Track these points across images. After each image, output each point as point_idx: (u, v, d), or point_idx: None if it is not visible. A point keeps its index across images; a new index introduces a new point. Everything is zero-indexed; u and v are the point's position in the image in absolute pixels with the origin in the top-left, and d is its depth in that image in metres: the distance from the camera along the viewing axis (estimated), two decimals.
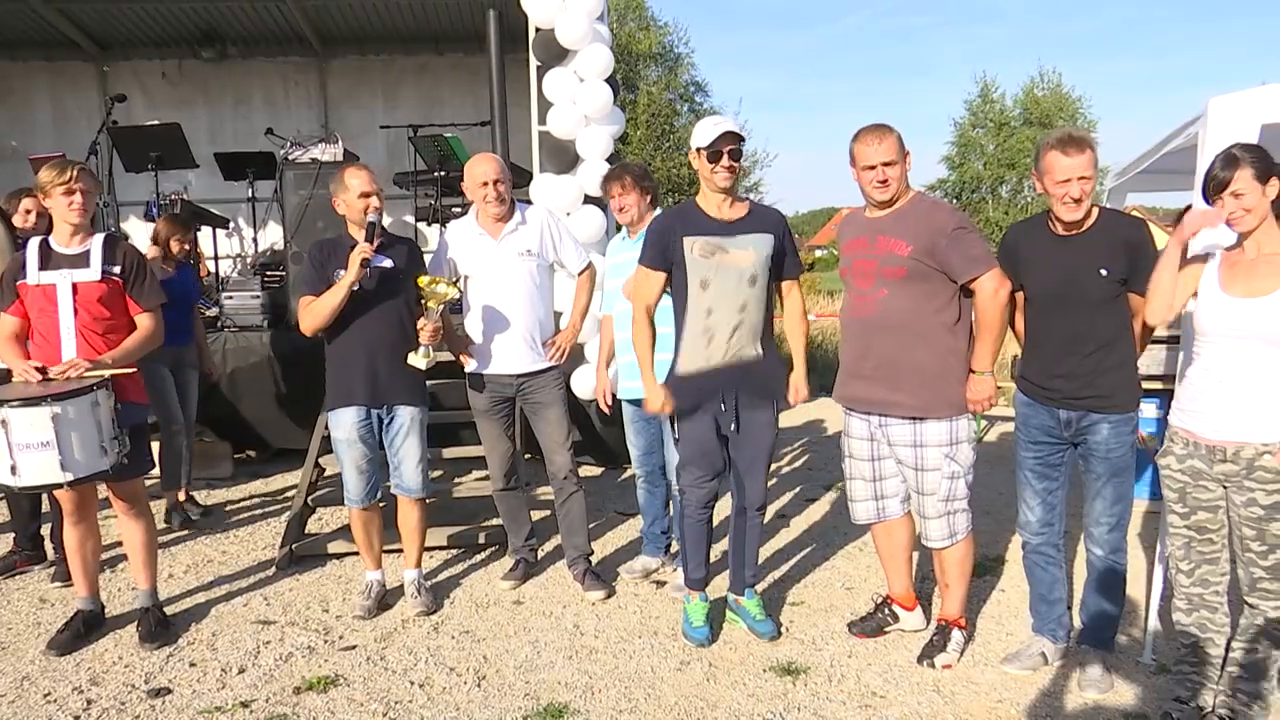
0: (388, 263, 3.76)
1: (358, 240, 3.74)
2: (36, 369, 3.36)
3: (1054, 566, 3.32)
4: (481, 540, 4.75)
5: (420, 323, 3.75)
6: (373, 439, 3.85)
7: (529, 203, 4.48)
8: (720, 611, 3.78)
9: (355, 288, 3.65)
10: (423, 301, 3.74)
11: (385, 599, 4.05)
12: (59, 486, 3.27)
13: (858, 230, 3.34)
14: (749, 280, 3.35)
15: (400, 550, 4.14)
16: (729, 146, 3.29)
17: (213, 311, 6.34)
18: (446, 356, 4.05)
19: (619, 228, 4.25)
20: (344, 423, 3.78)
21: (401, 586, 4.10)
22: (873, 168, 3.18)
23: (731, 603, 3.74)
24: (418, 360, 3.74)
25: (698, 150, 3.34)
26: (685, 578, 3.71)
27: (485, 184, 3.86)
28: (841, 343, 3.45)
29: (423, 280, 3.71)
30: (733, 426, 3.43)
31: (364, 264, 3.62)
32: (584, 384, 5.73)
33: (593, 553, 4.33)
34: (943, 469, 3.26)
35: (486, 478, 4.38)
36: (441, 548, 4.70)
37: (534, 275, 3.97)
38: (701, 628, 3.60)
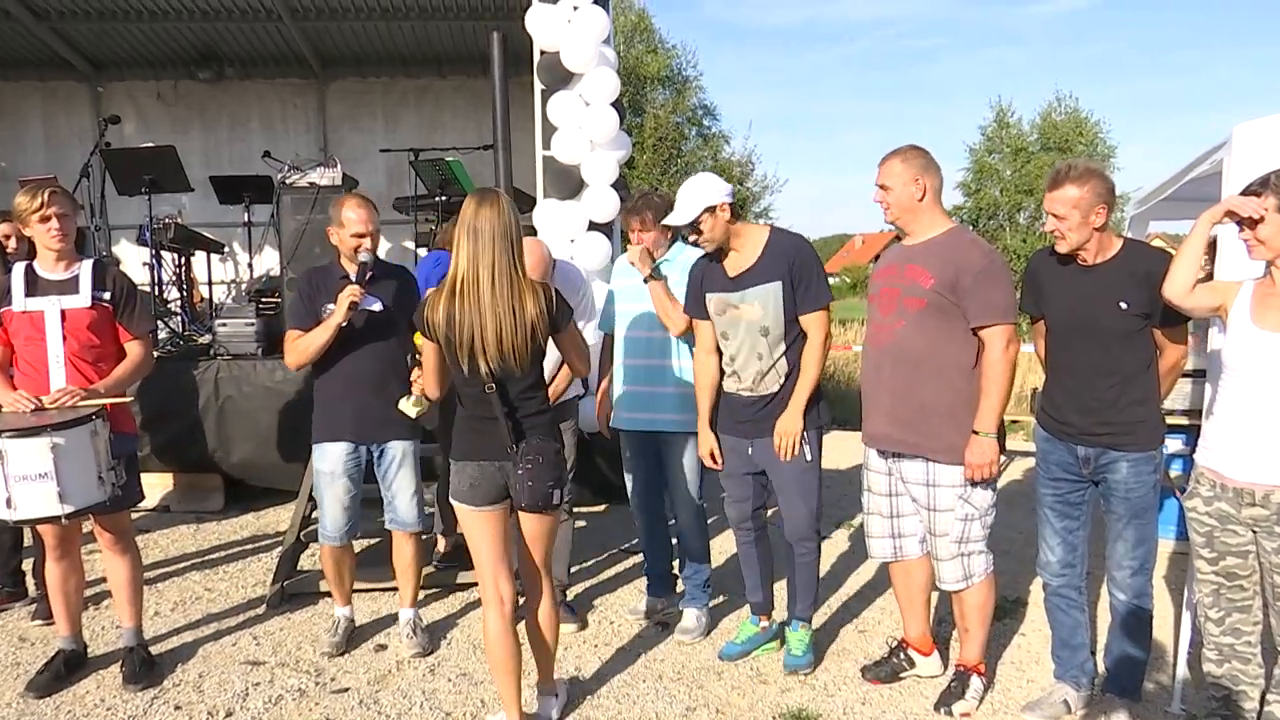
0: (377, 305, 3.79)
1: (349, 270, 3.77)
2: (27, 399, 3.36)
3: (1076, 610, 3.29)
4: (466, 583, 4.70)
5: (414, 373, 3.73)
6: (359, 475, 3.86)
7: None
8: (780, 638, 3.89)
9: (343, 324, 3.69)
10: (417, 351, 3.73)
11: (358, 635, 4.06)
12: (56, 520, 3.26)
13: (891, 257, 3.38)
14: (760, 332, 3.50)
15: (393, 588, 4.12)
16: (690, 225, 3.49)
17: (205, 339, 6.35)
18: None
19: (624, 247, 4.26)
20: (330, 456, 3.80)
21: (382, 626, 4.07)
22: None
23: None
24: (408, 408, 3.72)
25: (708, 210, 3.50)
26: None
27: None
28: (862, 374, 3.46)
29: (419, 338, 3.71)
30: (749, 451, 3.59)
31: (352, 306, 3.65)
32: (589, 413, 5.71)
33: (567, 585, 4.35)
34: (955, 510, 3.25)
35: None
36: (421, 588, 4.63)
37: None
38: (733, 644, 3.86)
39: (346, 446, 3.79)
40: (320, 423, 3.83)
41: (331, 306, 3.70)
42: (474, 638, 4.09)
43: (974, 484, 3.21)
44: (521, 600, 3.19)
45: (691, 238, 3.58)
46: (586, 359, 3.17)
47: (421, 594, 4.59)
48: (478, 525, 3.04)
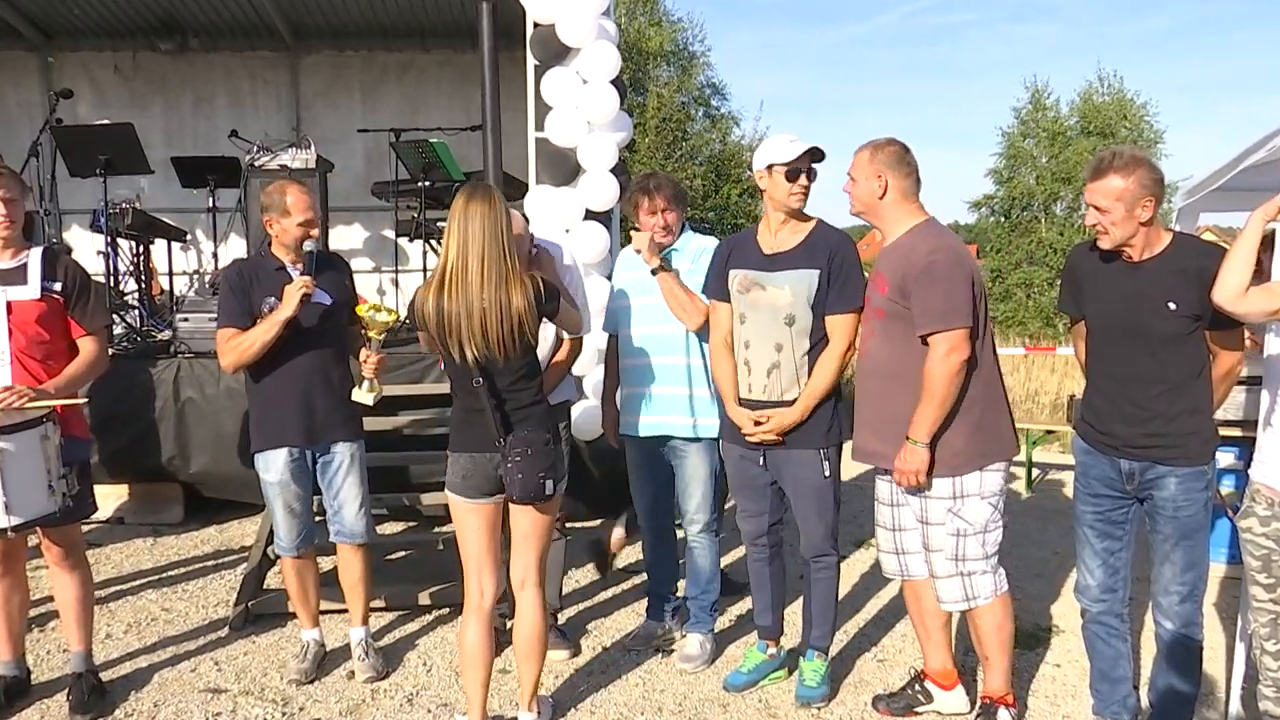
0: (328, 299, 3.82)
1: (283, 261, 3.81)
2: None
3: (1117, 639, 3.28)
4: (426, 601, 4.72)
5: (363, 354, 3.80)
6: (308, 480, 3.91)
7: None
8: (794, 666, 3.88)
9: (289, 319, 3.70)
10: (363, 331, 3.76)
11: (329, 661, 4.08)
12: (1, 533, 3.23)
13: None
14: (785, 320, 3.51)
15: (343, 610, 4.14)
16: (810, 165, 3.53)
17: (165, 335, 6.34)
18: (395, 390, 4.05)
19: (626, 241, 4.26)
20: (275, 465, 3.83)
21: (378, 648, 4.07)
22: None
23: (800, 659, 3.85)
24: (363, 396, 3.79)
25: (768, 169, 3.53)
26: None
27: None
28: None
29: (362, 309, 3.74)
30: (761, 461, 3.63)
31: (305, 299, 3.67)
32: (583, 420, 5.71)
33: (559, 608, 4.36)
34: (947, 524, 3.29)
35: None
36: (384, 609, 4.65)
37: None
38: (739, 673, 3.86)
39: (293, 452, 3.82)
40: (263, 429, 3.84)
41: (274, 300, 3.71)
42: (456, 664, 4.08)
43: (965, 497, 3.25)
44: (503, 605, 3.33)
45: (803, 186, 3.53)
46: (580, 320, 3.48)
47: (391, 614, 4.60)
48: (468, 518, 3.28)
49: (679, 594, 4.38)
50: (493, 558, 3.30)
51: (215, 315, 5.93)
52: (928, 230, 3.30)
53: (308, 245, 3.80)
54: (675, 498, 4.16)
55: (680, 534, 4.25)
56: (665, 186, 4.00)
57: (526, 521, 3.28)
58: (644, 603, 4.45)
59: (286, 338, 3.71)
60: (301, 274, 3.74)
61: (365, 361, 3.78)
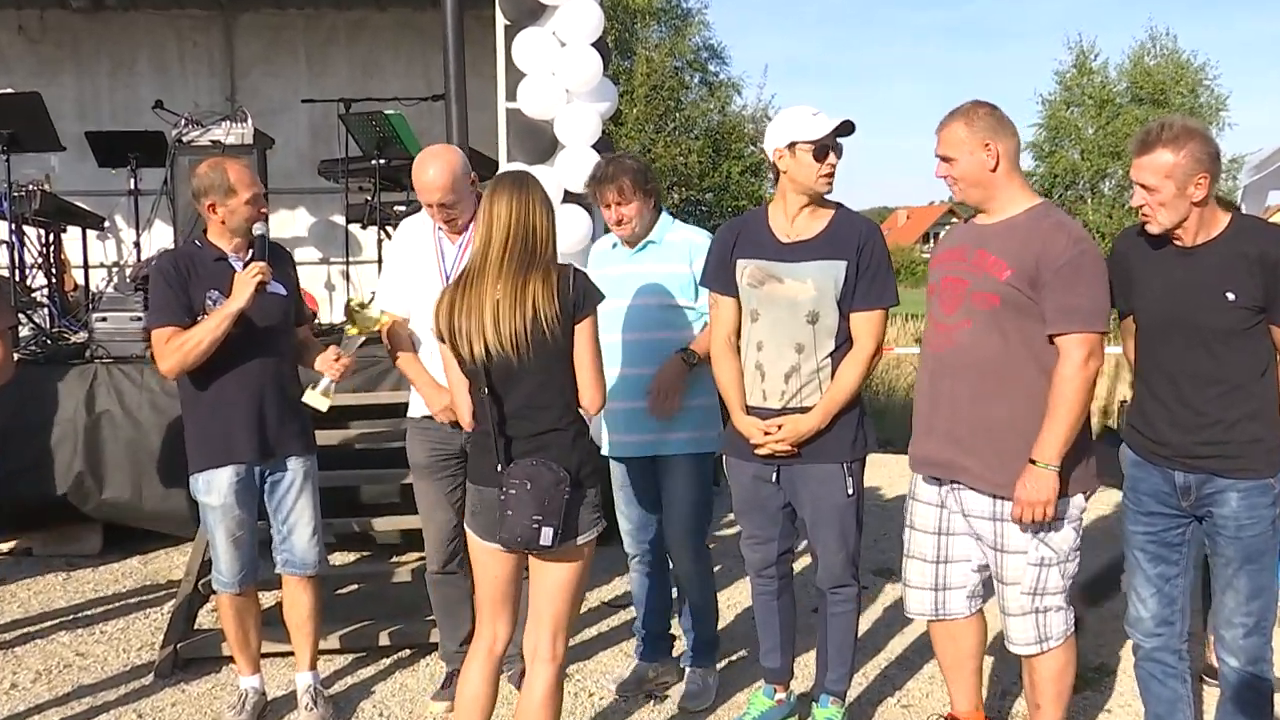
0: (283, 291, 3.83)
1: (224, 250, 3.80)
2: None
3: (1175, 679, 3.30)
4: (386, 641, 4.72)
5: (331, 353, 3.78)
6: (253, 502, 3.89)
7: None
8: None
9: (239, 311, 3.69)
10: (345, 326, 3.74)
11: (270, 712, 4.07)
12: None
13: (958, 238, 3.42)
14: (806, 317, 3.49)
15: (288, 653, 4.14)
16: (840, 140, 3.52)
17: (80, 336, 6.33)
18: (346, 399, 4.03)
19: (606, 229, 4.28)
20: (218, 486, 3.80)
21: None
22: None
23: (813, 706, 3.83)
24: (317, 400, 3.74)
25: (790, 146, 3.49)
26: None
27: (431, 205, 3.81)
28: (916, 384, 3.48)
29: (354, 301, 3.72)
30: (774, 477, 3.61)
31: (260, 288, 3.66)
32: None
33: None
34: (1029, 553, 3.25)
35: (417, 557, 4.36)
36: (335, 650, 4.65)
37: None
38: None
39: (240, 470, 3.80)
40: (205, 444, 3.81)
41: (219, 295, 3.69)
42: (416, 712, 4.08)
43: (1058, 521, 3.20)
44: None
45: (830, 164, 3.50)
46: (603, 384, 3.20)
47: (342, 658, 4.59)
48: (482, 558, 3.21)
49: (673, 632, 4.39)
50: (509, 606, 3.23)
51: (138, 315, 6.06)
52: (1053, 213, 3.26)
53: (257, 228, 3.78)
54: (664, 518, 4.16)
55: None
56: (619, 175, 3.96)
57: (544, 577, 3.13)
58: (633, 642, 4.46)
59: (234, 336, 3.67)
60: (259, 258, 3.72)
61: (335, 361, 3.75)
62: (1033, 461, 3.11)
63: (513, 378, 3.04)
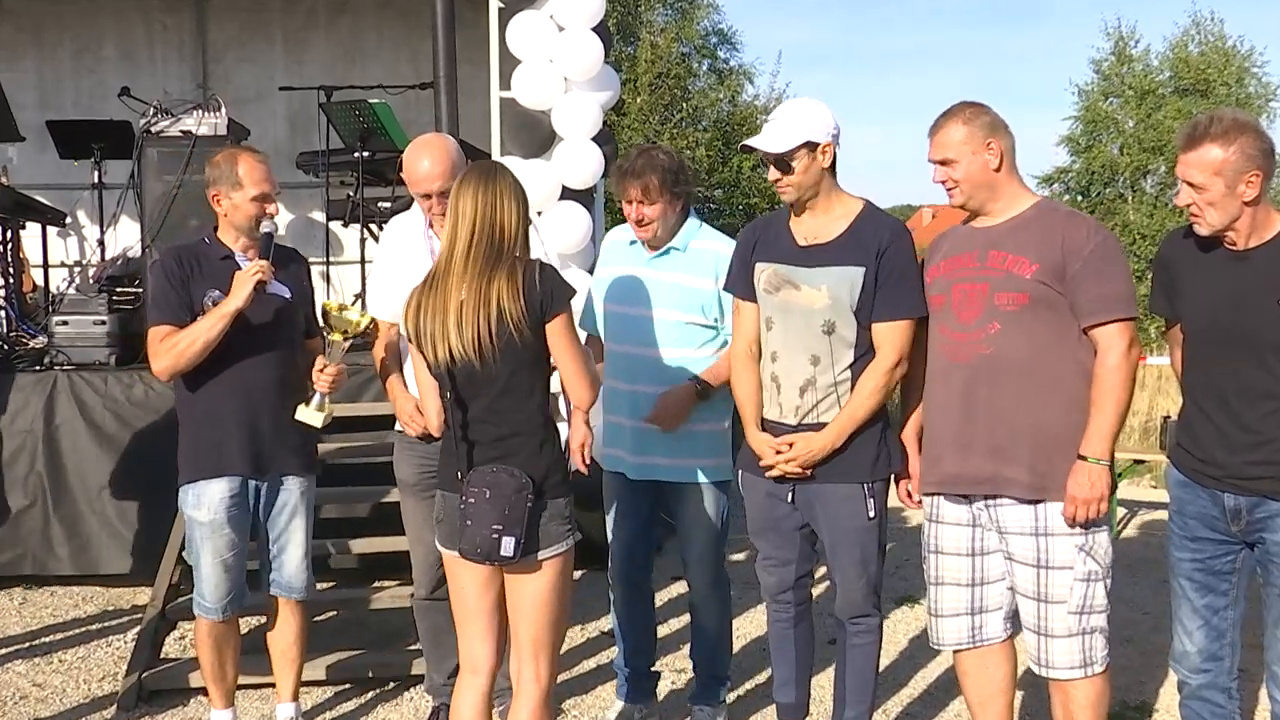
0: (286, 293, 3.84)
1: (231, 249, 3.81)
2: None
3: (1224, 719, 3.28)
4: (369, 675, 4.71)
5: (319, 363, 3.77)
6: (246, 521, 3.88)
7: None
8: None
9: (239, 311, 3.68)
10: (324, 334, 3.74)
11: None
12: None
13: (959, 245, 3.41)
14: (821, 327, 3.48)
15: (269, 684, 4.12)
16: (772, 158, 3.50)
17: (39, 342, 6.32)
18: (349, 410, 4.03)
19: (610, 223, 4.25)
20: (211, 499, 3.79)
21: None
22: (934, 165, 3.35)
23: None
24: (311, 415, 3.74)
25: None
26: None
27: (430, 196, 3.82)
28: (925, 403, 3.46)
29: (331, 304, 3.72)
30: (789, 497, 3.61)
31: (260, 288, 3.66)
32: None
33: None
34: (1076, 567, 3.24)
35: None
36: (319, 682, 4.64)
37: None
38: None
39: (232, 484, 3.79)
40: (196, 454, 3.81)
41: (218, 294, 3.70)
42: None
43: (1094, 531, 3.22)
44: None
45: (773, 178, 3.55)
46: (590, 378, 3.22)
47: (324, 690, 4.58)
48: (454, 569, 3.22)
49: (655, 668, 4.36)
50: (488, 626, 3.22)
51: (101, 318, 6.07)
52: (1059, 205, 3.32)
53: (265, 226, 3.78)
54: (658, 543, 4.15)
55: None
56: (646, 171, 3.90)
57: (516, 594, 3.14)
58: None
59: (232, 338, 3.68)
60: (261, 257, 3.73)
61: (320, 373, 3.75)
62: (1082, 458, 3.14)
63: (476, 381, 3.08)
